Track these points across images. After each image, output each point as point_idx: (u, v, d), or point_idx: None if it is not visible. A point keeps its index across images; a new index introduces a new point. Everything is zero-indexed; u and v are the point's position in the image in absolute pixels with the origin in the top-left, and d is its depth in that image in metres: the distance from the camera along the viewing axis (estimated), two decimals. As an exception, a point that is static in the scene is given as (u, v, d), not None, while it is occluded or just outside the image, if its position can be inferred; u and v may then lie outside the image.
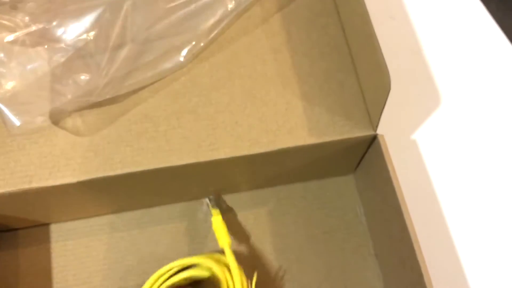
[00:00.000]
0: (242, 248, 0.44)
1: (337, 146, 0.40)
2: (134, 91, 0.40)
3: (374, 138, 0.39)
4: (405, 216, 0.36)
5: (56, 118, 0.39)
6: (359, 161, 0.44)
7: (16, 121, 0.34)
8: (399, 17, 0.54)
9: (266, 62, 0.42)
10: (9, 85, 0.34)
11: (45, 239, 0.43)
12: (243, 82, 0.41)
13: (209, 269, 0.40)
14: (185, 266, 0.41)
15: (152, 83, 0.41)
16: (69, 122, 0.39)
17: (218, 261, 0.40)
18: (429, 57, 0.52)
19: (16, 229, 0.44)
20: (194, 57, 0.41)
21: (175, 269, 0.40)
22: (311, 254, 0.44)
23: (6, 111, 0.34)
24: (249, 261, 0.43)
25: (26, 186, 0.37)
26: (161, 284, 0.40)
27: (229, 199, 0.46)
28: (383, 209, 0.40)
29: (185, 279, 0.40)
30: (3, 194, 0.37)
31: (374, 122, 0.39)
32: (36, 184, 0.37)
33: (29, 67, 0.35)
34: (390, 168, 0.38)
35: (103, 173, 0.38)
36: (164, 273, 0.40)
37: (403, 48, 0.53)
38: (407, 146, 0.48)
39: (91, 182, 0.37)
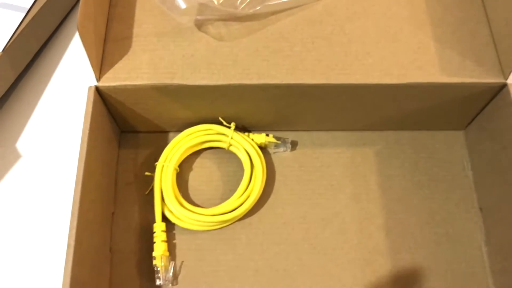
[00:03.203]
0: (347, 182, 0.45)
1: (464, 90, 0.41)
2: (273, 13, 0.42)
3: (503, 87, 0.40)
4: (531, 160, 0.37)
5: (201, 23, 0.41)
6: (474, 116, 0.45)
7: (183, 4, 0.38)
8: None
9: (400, 4, 0.43)
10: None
11: (163, 145, 0.46)
12: (377, 19, 0.42)
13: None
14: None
15: (290, 8, 0.43)
16: (212, 29, 0.41)
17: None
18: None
19: (137, 132, 0.47)
20: (332, -11, 0.43)
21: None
22: (414, 198, 0.45)
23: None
24: (352, 194, 0.45)
25: (168, 81, 0.40)
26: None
27: (340, 136, 0.47)
28: (500, 159, 0.41)
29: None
30: (146, 85, 0.40)
31: (506, 71, 0.40)
32: (177, 81, 0.40)
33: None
34: (518, 115, 0.38)
35: (240, 81, 0.40)
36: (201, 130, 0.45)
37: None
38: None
39: (227, 87, 0.40)
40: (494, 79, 0.40)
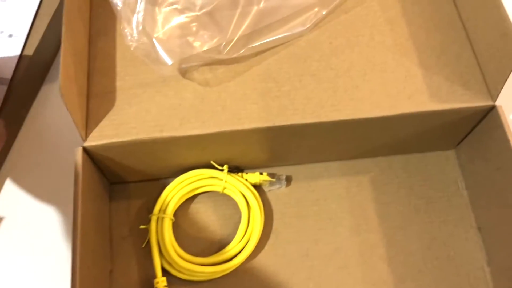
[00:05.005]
0: (345, 213, 0.45)
1: (454, 115, 0.41)
2: (258, 53, 0.42)
3: (491, 109, 0.40)
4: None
5: (185, 70, 0.40)
6: (465, 135, 0.45)
7: (169, 60, 0.36)
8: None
9: (383, 32, 0.43)
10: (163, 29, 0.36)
11: (155, 193, 0.44)
12: (362, 50, 0.42)
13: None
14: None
15: (274, 47, 0.42)
16: (198, 75, 0.41)
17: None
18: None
19: (127, 182, 0.45)
20: (314, 24, 0.43)
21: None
22: (413, 224, 0.44)
23: (160, 49, 0.36)
24: (352, 226, 0.44)
25: (157, 134, 0.39)
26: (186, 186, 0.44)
27: (333, 166, 0.47)
28: (495, 180, 0.41)
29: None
30: (135, 141, 0.38)
31: (493, 93, 0.40)
32: (166, 133, 0.39)
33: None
34: (510, 136, 0.39)
35: (231, 127, 0.39)
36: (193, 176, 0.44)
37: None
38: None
39: (218, 135, 0.39)
40: (483, 102, 0.40)
